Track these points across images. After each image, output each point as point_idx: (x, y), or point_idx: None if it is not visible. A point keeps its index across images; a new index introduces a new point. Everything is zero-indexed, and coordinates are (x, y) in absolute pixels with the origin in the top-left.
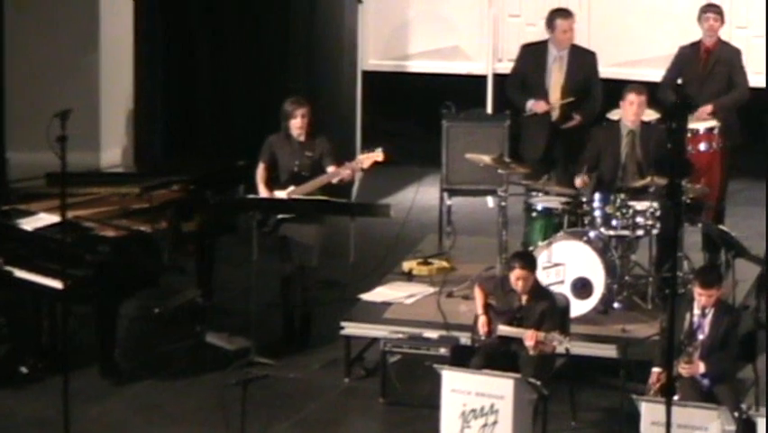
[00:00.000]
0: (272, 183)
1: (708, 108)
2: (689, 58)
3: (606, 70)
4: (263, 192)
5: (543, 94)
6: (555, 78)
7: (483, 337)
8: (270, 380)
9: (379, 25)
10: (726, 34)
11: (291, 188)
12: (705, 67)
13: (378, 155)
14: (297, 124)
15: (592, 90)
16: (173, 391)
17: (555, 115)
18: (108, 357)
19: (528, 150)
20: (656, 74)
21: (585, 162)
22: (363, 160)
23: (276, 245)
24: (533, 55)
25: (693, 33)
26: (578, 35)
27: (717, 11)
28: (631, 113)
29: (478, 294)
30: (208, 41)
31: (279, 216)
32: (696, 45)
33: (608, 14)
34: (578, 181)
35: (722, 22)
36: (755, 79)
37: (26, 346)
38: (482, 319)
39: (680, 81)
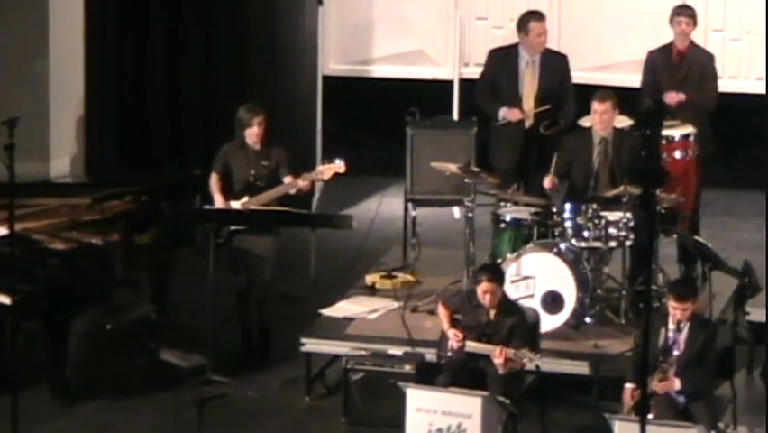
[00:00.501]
0: (227, 193)
1: (681, 96)
2: (660, 62)
3: (577, 75)
4: (219, 201)
5: (515, 101)
6: (528, 84)
7: (452, 353)
8: (227, 399)
9: (340, 28)
10: (701, 37)
11: (245, 198)
12: (679, 71)
13: (339, 167)
14: (253, 133)
15: (567, 94)
16: (126, 411)
17: (529, 123)
18: (59, 375)
19: (500, 159)
20: (628, 79)
21: (556, 171)
22: (324, 171)
23: (229, 258)
24: (503, 60)
25: (666, 36)
26: (549, 39)
27: (689, 14)
28: (597, 121)
29: (442, 313)
30: (163, 44)
31: (232, 228)
32: (667, 48)
33: (579, 18)
34: (547, 182)
35: (695, 25)
36: (730, 84)
37: None
38: (452, 331)
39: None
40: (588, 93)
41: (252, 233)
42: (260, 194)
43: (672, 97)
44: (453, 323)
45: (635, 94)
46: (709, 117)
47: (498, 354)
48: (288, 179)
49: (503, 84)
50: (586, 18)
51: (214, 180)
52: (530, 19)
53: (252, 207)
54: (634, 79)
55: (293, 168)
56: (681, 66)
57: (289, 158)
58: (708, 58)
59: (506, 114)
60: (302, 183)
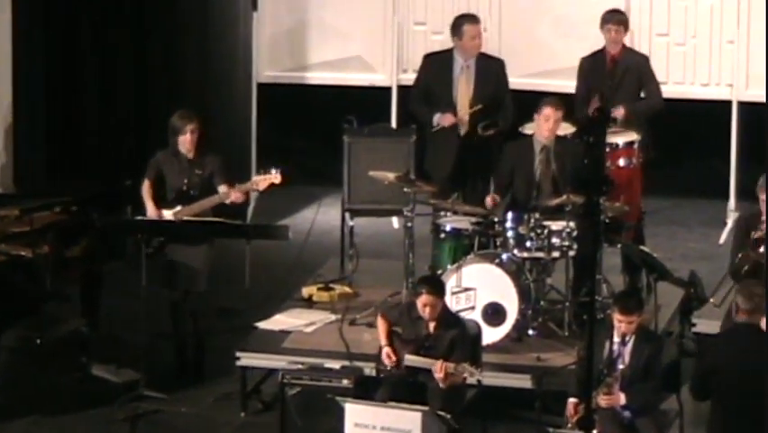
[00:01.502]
0: (160, 202)
1: (621, 111)
2: (593, 68)
3: (517, 81)
4: (151, 209)
5: (450, 106)
6: (463, 89)
7: (390, 368)
8: (161, 415)
9: (275, 34)
10: (645, 42)
11: (178, 207)
12: (613, 76)
13: (275, 177)
14: (185, 140)
15: (504, 100)
16: (57, 428)
17: (464, 129)
18: None
19: (436, 166)
20: (569, 85)
21: (498, 180)
22: (259, 181)
23: (162, 269)
24: (437, 65)
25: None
26: (488, 45)
27: (618, 20)
28: (546, 128)
29: (380, 325)
30: (93, 51)
31: (162, 238)
32: (599, 54)
33: (519, 24)
34: (488, 201)
35: (626, 30)
36: (675, 90)
37: None
38: (386, 350)
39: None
40: (528, 99)
41: (186, 243)
42: (193, 203)
43: (618, 112)
44: (391, 337)
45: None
46: (653, 123)
47: (438, 369)
48: (222, 189)
49: (437, 89)
50: (526, 24)
51: (146, 187)
52: (464, 22)
53: (186, 218)
54: (574, 85)
55: (228, 176)
56: (614, 72)
57: (224, 166)
58: (644, 60)
59: (439, 119)
60: (236, 194)
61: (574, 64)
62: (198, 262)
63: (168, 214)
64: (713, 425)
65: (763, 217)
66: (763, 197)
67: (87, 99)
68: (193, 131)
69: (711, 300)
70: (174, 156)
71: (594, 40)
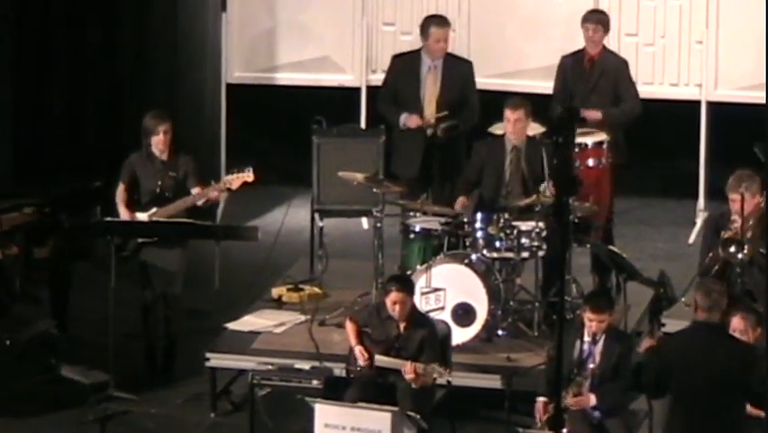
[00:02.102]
0: (134, 205)
1: (598, 114)
2: (572, 68)
3: (487, 81)
4: (124, 214)
5: (417, 107)
6: (430, 89)
7: (362, 369)
8: (131, 416)
9: (244, 35)
10: (614, 42)
11: (153, 210)
12: (589, 78)
13: (248, 175)
14: (158, 141)
15: (469, 101)
16: (27, 429)
17: (431, 130)
18: None
19: (403, 167)
20: (539, 85)
21: (464, 180)
22: (232, 180)
23: (136, 272)
24: (405, 66)
25: (576, 43)
26: (457, 45)
27: (596, 19)
28: (509, 130)
29: (349, 328)
30: (63, 51)
31: (140, 240)
32: (579, 54)
33: (489, 24)
34: (458, 204)
35: (605, 30)
36: (643, 90)
37: None
38: (358, 348)
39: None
40: (498, 99)
41: (160, 246)
42: (167, 205)
43: (590, 114)
44: (361, 338)
45: (547, 100)
46: (625, 126)
47: (408, 371)
48: (195, 190)
49: (405, 90)
50: (496, 24)
51: (120, 192)
52: (431, 24)
53: (156, 219)
54: (544, 86)
55: (201, 178)
56: (592, 72)
57: (197, 167)
58: (622, 64)
59: (405, 120)
60: (211, 194)
61: (542, 65)
62: (173, 264)
63: (142, 216)
64: (672, 423)
65: (733, 217)
66: (732, 196)
67: (57, 100)
68: (166, 131)
69: (682, 300)
70: (147, 158)
71: (562, 41)
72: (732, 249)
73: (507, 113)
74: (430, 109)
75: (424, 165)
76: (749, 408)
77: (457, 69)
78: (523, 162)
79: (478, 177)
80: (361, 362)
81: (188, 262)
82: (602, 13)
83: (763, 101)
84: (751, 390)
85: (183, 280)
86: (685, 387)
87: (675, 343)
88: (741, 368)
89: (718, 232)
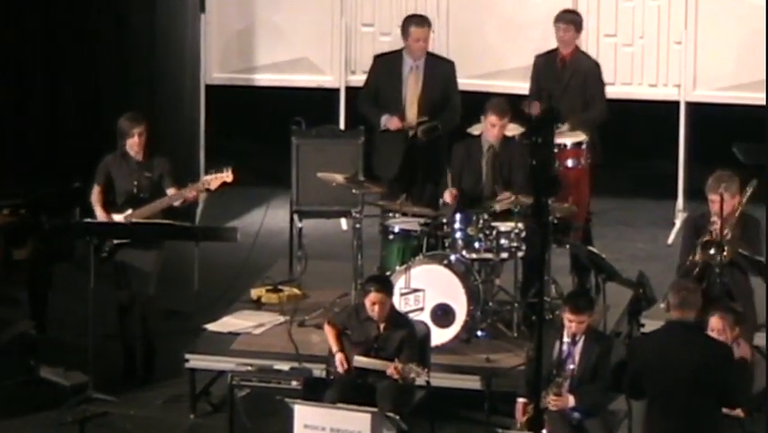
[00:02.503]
0: (109, 207)
1: (566, 126)
2: (544, 68)
3: (466, 82)
4: (101, 215)
5: (399, 107)
6: (411, 89)
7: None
8: (110, 417)
9: (223, 36)
10: (593, 42)
11: (129, 211)
12: (561, 79)
13: (227, 176)
14: (134, 143)
15: (450, 101)
16: (5, 431)
17: (413, 132)
18: None
19: (383, 168)
20: (517, 86)
21: (452, 179)
22: (211, 180)
23: (112, 272)
24: (386, 66)
25: (553, 44)
26: (437, 46)
27: (568, 19)
28: (492, 134)
29: (329, 332)
30: (41, 52)
31: (116, 241)
32: (551, 54)
33: (468, 25)
34: (447, 196)
35: (576, 30)
36: (622, 91)
37: None
38: (339, 357)
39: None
40: (476, 100)
41: (136, 247)
42: (143, 206)
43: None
44: (341, 342)
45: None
46: (600, 125)
47: (391, 371)
48: (171, 191)
49: (387, 90)
50: (475, 25)
51: (95, 193)
52: (411, 23)
53: (134, 220)
54: (523, 86)
55: (176, 178)
56: (563, 72)
57: (173, 168)
58: (593, 66)
59: (386, 121)
60: (189, 194)
61: (521, 65)
62: (148, 265)
63: (118, 218)
64: (649, 423)
65: (713, 218)
66: (711, 197)
67: (35, 101)
68: (141, 133)
69: (661, 306)
70: (122, 159)
71: (540, 42)
72: (712, 251)
73: (493, 119)
74: (412, 110)
75: (405, 166)
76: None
77: (439, 69)
78: (500, 162)
79: (458, 177)
80: (341, 370)
81: (166, 263)
82: (574, 12)
83: (742, 102)
84: (725, 389)
85: (158, 280)
86: (661, 387)
87: (650, 343)
88: (716, 367)
89: (698, 232)
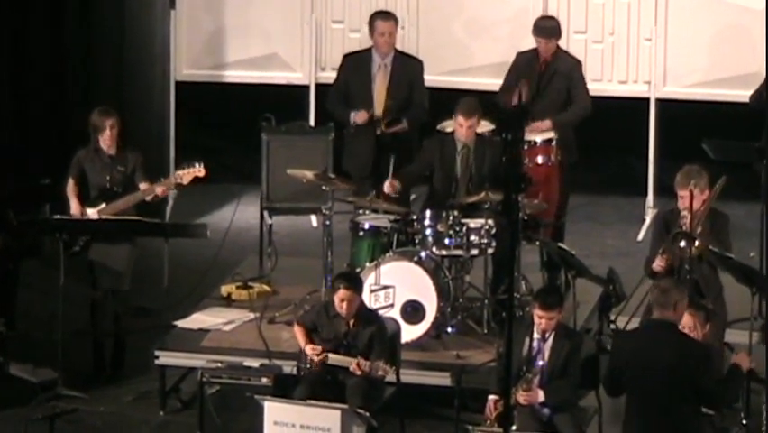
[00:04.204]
0: (83, 201)
1: (546, 124)
2: (525, 66)
3: (435, 79)
4: (75, 208)
5: (368, 105)
6: (379, 87)
7: (312, 366)
8: (80, 414)
9: (193, 33)
10: (563, 39)
11: (102, 205)
12: (542, 77)
13: (198, 170)
14: (107, 137)
15: (416, 98)
16: None
17: (381, 129)
18: None
19: (354, 165)
20: (486, 83)
21: (410, 171)
22: (183, 175)
23: (84, 269)
24: (356, 65)
25: (523, 40)
26: (406, 43)
27: (546, 33)
28: (461, 134)
29: (298, 332)
30: (8, 48)
31: (88, 237)
32: (534, 53)
33: (437, 22)
34: (386, 186)
35: (556, 38)
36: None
37: None
38: (309, 347)
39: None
40: (447, 97)
41: (108, 243)
42: (116, 200)
43: (538, 126)
44: (310, 340)
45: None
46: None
47: (354, 368)
48: (143, 185)
49: (356, 88)
50: (444, 22)
51: (70, 186)
52: (376, 18)
53: (105, 216)
54: (493, 83)
55: (149, 173)
56: (544, 73)
57: (145, 163)
58: (575, 65)
59: (354, 117)
60: (159, 189)
61: (490, 62)
62: (122, 261)
63: (92, 212)
64: (628, 421)
65: (683, 213)
66: (681, 193)
67: (2, 96)
68: (113, 126)
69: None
70: (95, 153)
71: (509, 40)
72: (682, 244)
73: (461, 119)
74: (379, 105)
75: (376, 164)
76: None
77: (406, 67)
78: (473, 160)
79: (422, 172)
80: (314, 357)
81: (137, 260)
82: (551, 19)
83: (712, 98)
84: (703, 388)
85: (131, 276)
86: (639, 385)
87: (629, 341)
88: (694, 366)
89: (668, 228)
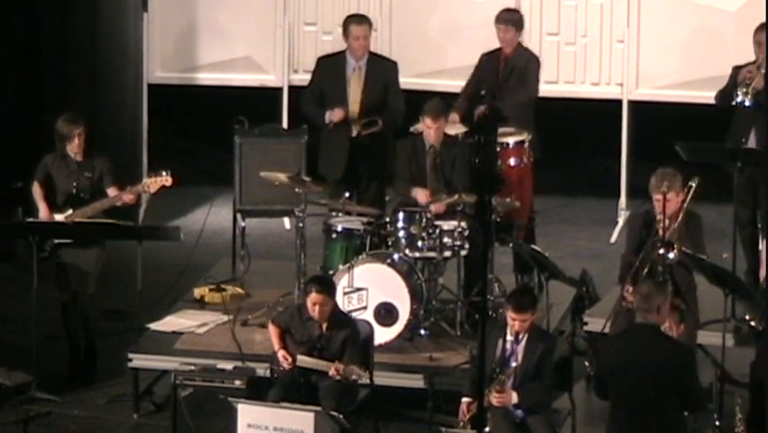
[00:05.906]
0: (51, 206)
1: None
2: (487, 66)
3: (409, 81)
4: (44, 210)
5: (344, 108)
6: (354, 89)
7: (285, 369)
8: (53, 417)
9: (165, 35)
10: (536, 41)
11: (69, 211)
12: (501, 75)
13: (166, 179)
14: (74, 146)
15: (391, 100)
16: None
17: (356, 131)
18: None
19: (328, 168)
20: (459, 85)
21: (402, 176)
22: (150, 184)
23: (54, 272)
24: (330, 67)
25: (497, 44)
26: (380, 45)
27: (506, 19)
28: (429, 136)
29: (272, 332)
30: None
31: (56, 241)
32: (496, 53)
33: (410, 24)
34: (422, 198)
35: (516, 30)
36: (565, 89)
37: None
38: (281, 353)
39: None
40: (420, 99)
41: (77, 246)
42: (84, 206)
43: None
44: (284, 341)
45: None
46: (538, 124)
47: (333, 373)
48: (111, 191)
49: (331, 91)
50: (417, 24)
51: (36, 189)
52: (350, 22)
53: (77, 220)
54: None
55: (117, 178)
56: (503, 71)
57: (113, 168)
58: (531, 60)
59: (330, 116)
60: (127, 197)
61: (463, 64)
62: (88, 264)
63: (59, 218)
64: (613, 425)
65: (658, 217)
66: (656, 196)
67: None
68: (80, 134)
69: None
70: (62, 160)
71: (484, 42)
72: (661, 251)
73: (428, 121)
74: (354, 109)
75: (350, 166)
76: None
77: (381, 69)
78: (442, 161)
79: (408, 173)
80: (285, 365)
81: (109, 263)
82: (514, 11)
83: (684, 100)
84: (685, 391)
85: (98, 279)
86: (625, 388)
87: (614, 344)
88: (679, 369)
89: (647, 228)
